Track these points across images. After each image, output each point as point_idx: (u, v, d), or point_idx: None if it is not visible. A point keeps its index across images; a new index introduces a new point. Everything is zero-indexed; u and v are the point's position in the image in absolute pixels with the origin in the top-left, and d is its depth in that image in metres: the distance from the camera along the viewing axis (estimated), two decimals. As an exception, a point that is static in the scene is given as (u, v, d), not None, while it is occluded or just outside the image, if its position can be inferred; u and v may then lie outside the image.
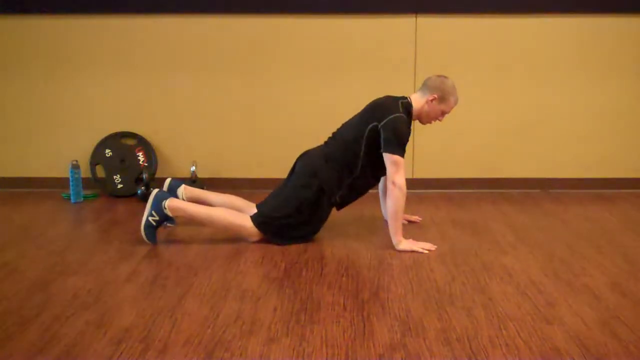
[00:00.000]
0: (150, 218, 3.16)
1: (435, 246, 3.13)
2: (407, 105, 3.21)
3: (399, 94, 4.29)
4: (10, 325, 2.26)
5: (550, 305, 2.43)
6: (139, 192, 4.12)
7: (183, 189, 3.46)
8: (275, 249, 3.12)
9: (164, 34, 4.28)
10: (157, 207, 3.16)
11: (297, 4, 4.22)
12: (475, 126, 4.37)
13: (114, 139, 4.37)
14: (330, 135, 3.39)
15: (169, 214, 3.16)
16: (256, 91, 4.34)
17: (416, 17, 4.23)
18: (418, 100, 3.24)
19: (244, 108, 4.36)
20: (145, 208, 3.19)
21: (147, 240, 3.17)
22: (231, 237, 3.26)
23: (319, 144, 4.34)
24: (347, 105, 4.32)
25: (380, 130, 3.11)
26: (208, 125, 4.37)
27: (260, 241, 3.20)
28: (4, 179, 4.43)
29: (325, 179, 3.19)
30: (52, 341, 2.14)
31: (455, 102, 3.27)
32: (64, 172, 4.21)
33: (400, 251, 3.08)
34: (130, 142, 4.40)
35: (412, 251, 3.07)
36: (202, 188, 4.13)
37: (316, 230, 3.27)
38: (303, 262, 2.94)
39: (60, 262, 2.93)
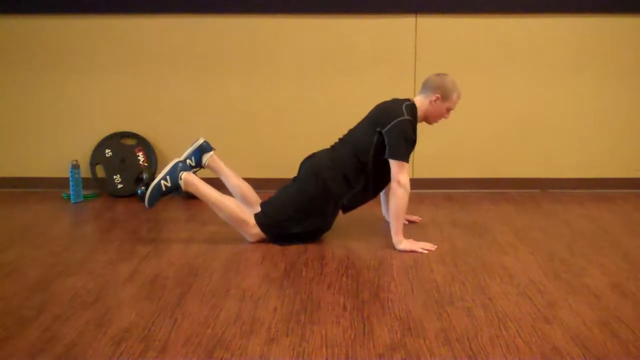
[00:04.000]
0: (162, 182, 3.18)
1: (435, 246, 3.13)
2: (411, 108, 3.20)
3: (399, 94, 4.31)
4: (10, 325, 2.27)
5: (550, 305, 2.43)
6: (139, 192, 4.12)
7: (209, 156, 3.43)
8: (275, 249, 3.12)
9: (164, 34, 4.28)
10: (174, 175, 3.19)
11: (297, 4, 4.22)
12: (475, 126, 4.36)
13: (114, 139, 4.37)
14: (337, 140, 3.37)
15: (182, 185, 3.19)
16: (256, 91, 4.34)
17: (416, 17, 4.23)
18: (422, 102, 3.24)
19: (243, 108, 4.36)
20: (161, 172, 3.21)
21: (145, 202, 3.20)
22: (230, 236, 3.26)
23: (318, 143, 4.36)
24: (347, 105, 4.33)
25: (384, 135, 3.11)
26: (208, 125, 4.37)
27: (260, 241, 3.20)
28: (4, 179, 4.43)
29: (331, 184, 3.17)
30: (52, 341, 2.14)
31: (459, 97, 3.27)
32: (64, 172, 4.21)
33: (400, 251, 3.08)
34: (130, 142, 4.40)
35: (412, 251, 3.07)
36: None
37: (319, 234, 3.26)
38: (303, 262, 2.94)
39: (60, 262, 2.93)
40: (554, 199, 4.18)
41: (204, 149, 3.45)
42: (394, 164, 3.09)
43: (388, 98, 4.29)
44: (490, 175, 4.43)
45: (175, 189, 3.22)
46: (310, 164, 3.29)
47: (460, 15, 4.23)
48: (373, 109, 3.32)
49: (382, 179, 3.22)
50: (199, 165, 3.44)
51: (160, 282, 2.68)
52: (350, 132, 3.34)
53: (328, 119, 4.36)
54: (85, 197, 4.17)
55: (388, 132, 3.10)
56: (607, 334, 2.19)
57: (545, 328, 2.23)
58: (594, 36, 4.25)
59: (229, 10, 4.24)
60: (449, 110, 3.28)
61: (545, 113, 4.35)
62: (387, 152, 3.11)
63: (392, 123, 3.10)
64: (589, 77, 4.30)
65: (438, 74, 3.27)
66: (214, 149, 3.48)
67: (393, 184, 3.09)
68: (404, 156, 3.09)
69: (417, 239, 3.19)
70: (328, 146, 3.36)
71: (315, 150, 4.51)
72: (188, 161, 3.41)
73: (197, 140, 3.46)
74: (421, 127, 4.34)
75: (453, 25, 4.25)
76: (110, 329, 2.23)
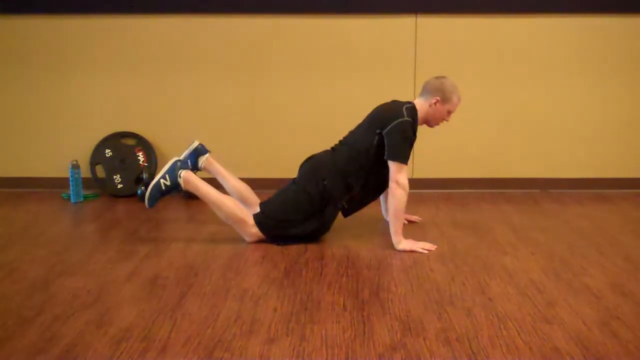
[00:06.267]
0: (162, 180, 3.19)
1: (435, 246, 3.13)
2: (412, 110, 3.19)
3: (399, 94, 4.31)
4: (10, 325, 2.27)
5: (550, 305, 2.43)
6: (139, 192, 4.12)
7: (205, 159, 3.45)
8: (275, 249, 3.12)
9: (164, 34, 4.28)
10: (172, 174, 3.20)
11: (297, 4, 4.21)
12: (475, 126, 4.36)
13: (114, 139, 4.37)
14: (338, 142, 3.36)
15: (181, 184, 3.19)
16: (256, 91, 4.35)
17: (416, 17, 4.23)
18: (422, 105, 3.24)
19: (243, 108, 4.36)
20: (160, 171, 3.22)
21: (146, 202, 3.20)
22: (230, 236, 3.26)
23: (318, 143, 4.36)
24: (347, 105, 4.34)
25: (384, 136, 3.11)
26: (208, 125, 4.38)
27: (259, 241, 3.20)
28: (4, 179, 4.43)
29: (331, 186, 3.17)
30: (52, 341, 2.14)
31: (459, 100, 3.27)
32: (64, 172, 4.21)
33: (400, 251, 3.08)
34: (130, 142, 4.40)
35: (412, 251, 3.07)
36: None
37: (318, 235, 3.25)
38: (303, 262, 2.94)
39: (60, 262, 2.93)
40: (554, 199, 4.18)
41: (199, 151, 3.47)
42: (392, 165, 3.08)
43: (388, 98, 4.30)
44: (490, 175, 4.43)
45: (175, 188, 3.23)
46: (310, 164, 3.29)
47: (460, 15, 4.23)
48: (373, 111, 3.32)
49: (382, 181, 3.21)
50: (195, 168, 3.44)
51: (160, 282, 2.68)
52: (350, 133, 3.34)
53: (328, 119, 4.36)
54: (85, 197, 4.17)
55: (388, 134, 3.10)
56: (607, 334, 2.19)
57: (545, 328, 2.23)
58: (594, 36, 4.25)
59: (229, 10, 4.24)
60: (449, 112, 3.27)
61: (545, 113, 4.35)
62: (386, 153, 3.10)
63: (392, 124, 3.10)
64: (589, 77, 4.30)
65: (437, 77, 3.27)
66: (209, 152, 3.49)
67: (392, 185, 3.08)
68: (403, 158, 3.09)
69: (417, 239, 3.19)
70: (328, 147, 3.36)
71: (314, 151, 4.51)
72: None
73: (193, 143, 3.48)
74: (421, 127, 4.36)
75: (453, 25, 4.25)
76: (110, 329, 2.24)
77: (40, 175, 4.42)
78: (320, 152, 3.35)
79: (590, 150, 4.38)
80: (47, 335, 2.19)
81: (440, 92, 3.21)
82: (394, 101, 3.30)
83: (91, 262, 2.94)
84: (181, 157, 3.42)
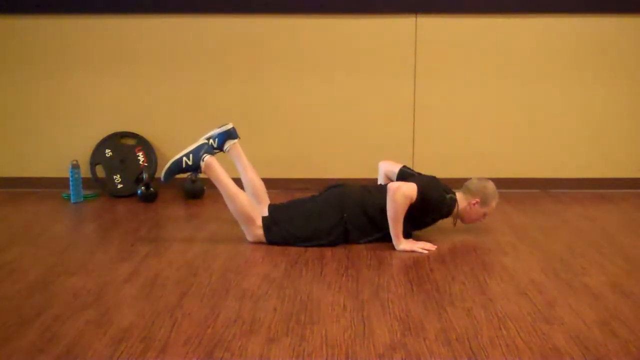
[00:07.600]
0: (184, 158, 3.19)
1: (435, 246, 3.13)
2: (452, 202, 3.22)
3: (399, 94, 4.32)
4: (10, 325, 2.27)
5: (550, 305, 2.43)
6: (139, 192, 4.12)
7: (232, 143, 3.41)
8: (275, 249, 3.12)
9: (164, 34, 4.28)
10: (197, 155, 3.19)
11: (297, 4, 4.21)
12: (475, 126, 4.36)
13: (114, 139, 4.37)
14: (375, 184, 3.34)
15: (202, 167, 3.19)
16: (256, 91, 4.34)
17: (416, 17, 4.23)
18: (461, 201, 3.26)
19: (243, 108, 4.36)
20: (186, 149, 3.21)
21: (162, 176, 3.19)
22: (230, 236, 3.26)
23: (318, 143, 4.37)
24: (347, 105, 4.34)
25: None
26: (208, 125, 4.34)
27: (259, 241, 3.20)
28: (4, 179, 4.43)
29: (352, 226, 3.16)
30: (52, 341, 2.14)
31: (496, 205, 3.32)
32: (64, 172, 4.20)
33: (400, 251, 3.08)
34: (130, 142, 4.39)
35: (412, 251, 3.07)
36: (203, 188, 4.17)
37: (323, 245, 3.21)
38: (303, 262, 2.94)
39: (60, 262, 2.93)
40: (554, 199, 4.18)
41: (230, 134, 3.43)
42: (411, 183, 3.08)
43: (388, 98, 4.32)
44: (490, 175, 4.38)
45: (195, 169, 3.22)
46: (339, 193, 3.24)
47: (460, 15, 4.23)
48: (423, 175, 3.33)
49: (405, 235, 3.16)
50: (219, 148, 3.41)
51: (160, 282, 2.68)
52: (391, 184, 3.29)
53: (328, 119, 4.36)
54: (85, 197, 4.17)
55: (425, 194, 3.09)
56: (607, 334, 2.19)
57: (545, 328, 2.23)
58: (594, 36, 4.25)
59: (229, 10, 4.24)
60: (485, 215, 3.31)
61: (545, 113, 4.35)
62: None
63: (432, 195, 3.12)
64: (589, 77, 4.30)
65: (480, 179, 3.33)
66: (239, 138, 3.47)
67: (393, 187, 3.04)
68: (424, 187, 3.06)
69: (417, 239, 3.19)
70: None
71: (313, 150, 4.51)
72: (210, 141, 3.40)
73: (227, 124, 3.44)
74: (422, 127, 4.36)
75: (453, 25, 4.24)
76: (110, 329, 2.23)
77: (40, 175, 4.41)
78: (353, 185, 3.30)
79: (590, 150, 4.38)
80: (47, 335, 2.19)
81: (482, 194, 3.26)
82: (442, 183, 3.29)
83: (91, 262, 2.94)
84: (209, 134, 3.40)
